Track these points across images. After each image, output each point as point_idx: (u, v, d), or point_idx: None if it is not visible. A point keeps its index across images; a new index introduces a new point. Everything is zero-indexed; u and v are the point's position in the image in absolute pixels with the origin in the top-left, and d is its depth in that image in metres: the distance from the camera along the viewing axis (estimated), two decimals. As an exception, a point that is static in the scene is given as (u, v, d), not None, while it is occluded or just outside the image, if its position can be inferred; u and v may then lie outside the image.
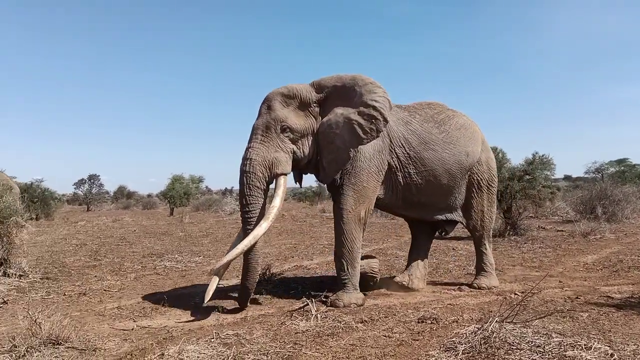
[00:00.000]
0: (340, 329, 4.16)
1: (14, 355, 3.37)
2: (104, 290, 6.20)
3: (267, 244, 10.81)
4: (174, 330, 4.28)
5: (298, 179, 5.52)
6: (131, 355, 3.55)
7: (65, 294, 5.85)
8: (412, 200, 5.60)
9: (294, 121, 5.08)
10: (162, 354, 3.42)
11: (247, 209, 4.89)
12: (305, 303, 4.81)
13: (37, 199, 19.07)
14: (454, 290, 5.80)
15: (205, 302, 4.63)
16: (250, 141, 5.04)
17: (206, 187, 47.69)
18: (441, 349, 3.59)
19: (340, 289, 5.14)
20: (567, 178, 42.21)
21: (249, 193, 4.88)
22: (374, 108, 4.98)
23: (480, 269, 6.07)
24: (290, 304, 5.16)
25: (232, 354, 3.46)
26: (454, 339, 3.72)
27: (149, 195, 44.59)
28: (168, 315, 4.80)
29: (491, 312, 4.23)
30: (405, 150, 5.40)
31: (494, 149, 12.04)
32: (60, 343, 3.66)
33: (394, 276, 6.07)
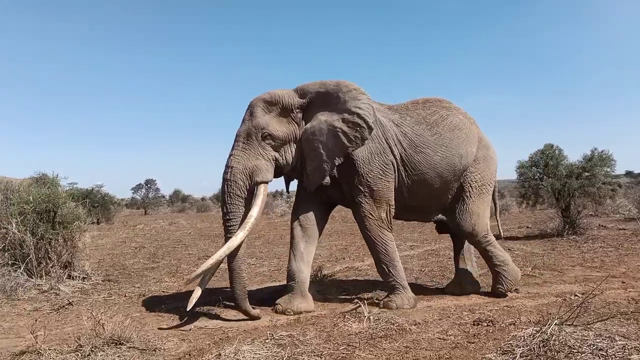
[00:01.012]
0: (394, 331, 4.13)
1: (79, 354, 3.52)
2: (163, 291, 6.40)
3: (317, 245, 10.84)
4: (230, 330, 4.37)
5: (285, 184, 5.49)
6: (189, 355, 3.66)
7: (125, 296, 6.07)
8: (405, 203, 5.41)
9: (276, 128, 5.00)
10: (219, 354, 3.49)
11: (228, 217, 4.85)
12: (358, 305, 4.81)
13: (98, 204, 19.87)
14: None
15: (188, 308, 4.54)
16: (232, 148, 4.99)
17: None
18: (498, 352, 3.51)
19: (391, 291, 5.11)
20: (629, 174, 40.27)
21: (229, 201, 4.84)
22: (358, 115, 4.88)
23: (495, 274, 5.55)
24: (343, 306, 5.16)
25: (286, 355, 3.51)
26: (511, 342, 3.64)
27: (203, 199, 45.68)
28: (223, 316, 4.90)
29: (550, 314, 4.10)
30: (399, 152, 5.23)
31: (549, 147, 11.67)
32: (122, 343, 3.80)
33: (445, 286, 5.91)
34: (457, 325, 4.30)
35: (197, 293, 4.59)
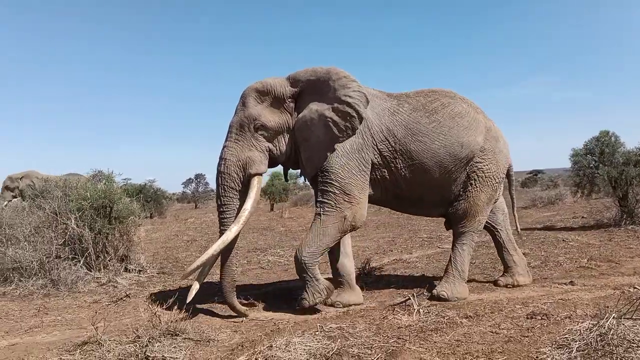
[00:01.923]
0: (444, 324, 4.09)
1: (138, 345, 3.65)
2: (214, 283, 6.55)
3: (364, 238, 10.86)
4: (280, 322, 4.44)
5: (283, 173, 5.45)
6: (242, 346, 3.74)
7: (180, 288, 6.25)
8: (404, 196, 5.23)
9: (268, 118, 4.91)
10: (271, 346, 3.55)
11: (222, 210, 4.81)
12: (407, 297, 4.79)
13: (151, 199, 20.47)
14: (565, 284, 5.48)
15: (187, 300, 4.56)
16: (225, 140, 4.94)
17: (304, 182, 48.50)
18: (553, 346, 3.42)
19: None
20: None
21: (223, 194, 4.80)
22: (348, 104, 4.72)
23: (445, 271, 5.28)
24: (391, 298, 5.15)
25: (336, 346, 3.53)
26: (567, 336, 3.54)
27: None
28: (274, 308, 4.98)
29: (607, 307, 3.95)
30: (390, 145, 4.98)
31: (605, 133, 11.22)
32: (178, 334, 3.92)
33: (496, 280, 5.76)
34: (510, 318, 4.21)
35: (196, 286, 4.68)
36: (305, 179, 5.37)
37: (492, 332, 3.87)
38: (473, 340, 3.68)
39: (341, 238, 4.96)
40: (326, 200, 4.81)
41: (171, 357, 3.54)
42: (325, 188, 4.83)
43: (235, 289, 4.80)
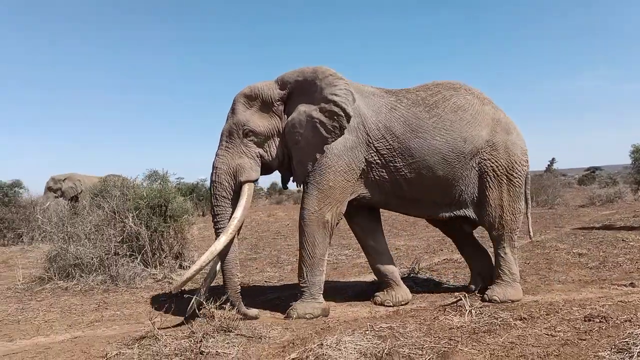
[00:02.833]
0: (498, 326, 4.01)
1: (192, 340, 3.77)
2: (265, 281, 6.67)
3: (414, 237, 10.76)
4: (331, 321, 4.47)
5: (281, 181, 5.28)
6: (293, 343, 3.79)
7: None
8: (405, 196, 5.01)
9: (257, 123, 4.78)
10: (322, 344, 3.58)
11: (216, 220, 4.75)
12: (459, 298, 4.72)
13: (203, 197, 20.93)
14: (625, 285, 5.27)
15: (187, 313, 4.55)
16: (217, 148, 4.87)
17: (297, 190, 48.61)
18: (612, 350, 3.31)
19: (300, 297, 4.82)
20: None
21: (216, 203, 4.73)
22: (335, 103, 4.57)
23: (495, 276, 5.06)
24: (442, 299, 5.09)
25: (387, 346, 3.52)
26: (627, 340, 3.41)
27: (299, 190, 46.48)
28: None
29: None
30: (388, 142, 4.79)
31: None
32: (230, 330, 4.02)
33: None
34: (567, 321, 4.09)
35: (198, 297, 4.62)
36: (286, 186, 5.26)
37: (547, 334, 3.77)
38: (528, 343, 3.59)
39: (330, 240, 4.90)
40: (307, 207, 4.76)
41: (224, 353, 3.64)
42: (308, 191, 4.79)
43: (240, 297, 4.71)
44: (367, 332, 3.93)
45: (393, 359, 3.39)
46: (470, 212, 5.09)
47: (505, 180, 4.95)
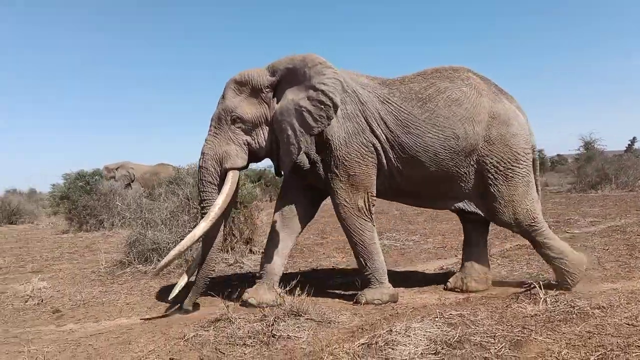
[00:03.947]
0: (574, 315, 3.87)
1: (264, 323, 3.89)
2: (332, 266, 6.75)
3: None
4: (399, 307, 4.48)
5: (274, 170, 5.08)
6: (362, 329, 3.83)
7: (299, 270, 6.51)
8: (400, 188, 4.93)
9: (245, 110, 4.69)
10: (390, 330, 3.60)
11: (202, 205, 4.71)
12: (532, 286, 4.58)
13: (270, 183, 21.36)
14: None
15: (170, 297, 4.64)
16: (207, 133, 4.82)
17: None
18: (702, 343, 3.12)
19: (366, 285, 4.79)
20: None
21: (202, 189, 4.71)
22: (323, 92, 4.42)
23: (555, 269, 4.83)
24: (514, 286, 4.97)
25: (457, 334, 3.49)
26: None
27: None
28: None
29: None
30: (383, 132, 4.70)
31: None
32: (301, 315, 4.10)
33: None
34: (650, 310, 3.88)
35: (182, 282, 4.74)
36: (279, 174, 5.05)
37: (628, 324, 3.60)
38: (606, 332, 3.45)
39: (373, 223, 4.85)
40: (339, 202, 4.79)
41: (295, 337, 3.73)
42: (334, 186, 4.78)
43: (207, 285, 4.80)
44: (436, 319, 3.90)
45: (464, 346, 3.35)
46: (471, 206, 4.95)
47: (510, 174, 4.74)
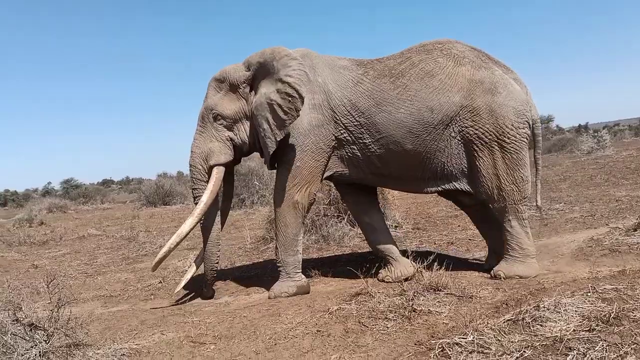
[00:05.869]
0: None
1: (404, 298, 3.92)
2: (469, 239, 6.59)
3: (638, 185, 9.55)
4: (546, 282, 4.25)
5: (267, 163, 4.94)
6: (506, 304, 3.71)
7: (435, 243, 6.46)
8: (382, 173, 4.74)
9: (225, 107, 4.80)
10: (537, 306, 3.44)
11: (196, 202, 4.86)
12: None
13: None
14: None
15: (176, 290, 4.91)
16: (195, 131, 4.95)
17: (557, 126, 45.16)
18: None
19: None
20: None
21: (194, 186, 4.90)
22: (289, 85, 4.43)
23: (504, 252, 4.62)
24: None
25: (613, 310, 3.23)
26: None
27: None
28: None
29: None
30: (355, 119, 4.56)
31: None
32: (440, 289, 4.09)
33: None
34: None
35: (188, 275, 4.98)
36: (267, 167, 5.08)
37: None
38: None
39: (303, 220, 4.85)
40: (276, 188, 4.81)
41: (436, 311, 3.73)
42: (278, 171, 4.83)
43: (215, 278, 5.04)
44: (588, 294, 3.64)
45: (622, 323, 3.11)
46: (461, 185, 4.68)
47: (497, 147, 4.43)
